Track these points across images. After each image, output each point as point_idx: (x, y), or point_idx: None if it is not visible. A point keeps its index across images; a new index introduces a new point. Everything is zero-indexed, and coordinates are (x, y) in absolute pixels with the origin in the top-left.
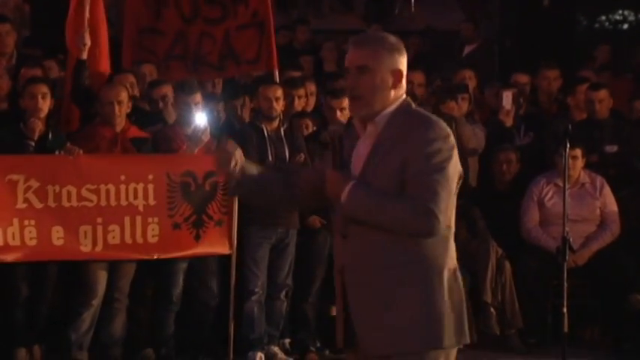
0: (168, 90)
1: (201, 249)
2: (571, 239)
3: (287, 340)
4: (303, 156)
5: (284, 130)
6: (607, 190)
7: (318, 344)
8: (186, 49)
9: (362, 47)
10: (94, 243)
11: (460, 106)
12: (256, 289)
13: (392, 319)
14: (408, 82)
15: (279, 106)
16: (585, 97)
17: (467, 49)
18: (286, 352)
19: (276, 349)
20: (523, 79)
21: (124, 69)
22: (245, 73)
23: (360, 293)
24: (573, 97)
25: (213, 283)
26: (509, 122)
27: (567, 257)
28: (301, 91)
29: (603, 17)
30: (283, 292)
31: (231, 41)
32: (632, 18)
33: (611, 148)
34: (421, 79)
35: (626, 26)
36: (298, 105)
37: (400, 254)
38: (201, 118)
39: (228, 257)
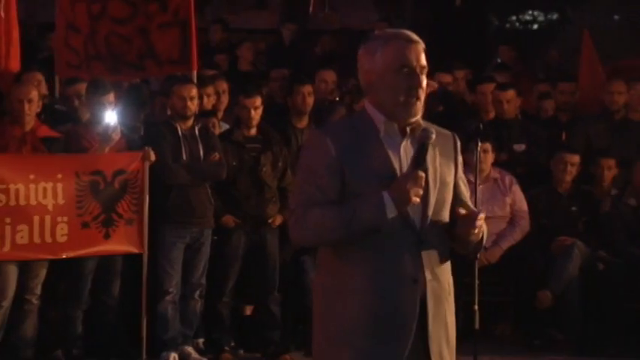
0: (82, 88)
1: (111, 247)
2: None
3: (201, 340)
4: (217, 155)
5: (198, 129)
6: (516, 187)
7: (233, 343)
8: (98, 49)
9: (421, 46)
10: (2, 243)
11: None
12: (170, 289)
13: (452, 336)
14: (321, 80)
15: (193, 106)
16: (493, 97)
17: None
18: (200, 351)
19: (190, 348)
20: (446, 78)
21: (31, 67)
22: (168, 74)
23: (438, 307)
24: (477, 96)
25: (117, 284)
26: None
27: (478, 255)
28: (210, 89)
29: (514, 17)
30: (197, 292)
31: (151, 40)
32: (541, 18)
33: (520, 147)
34: (332, 77)
35: (535, 26)
36: (208, 103)
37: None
38: (111, 117)
39: (139, 256)
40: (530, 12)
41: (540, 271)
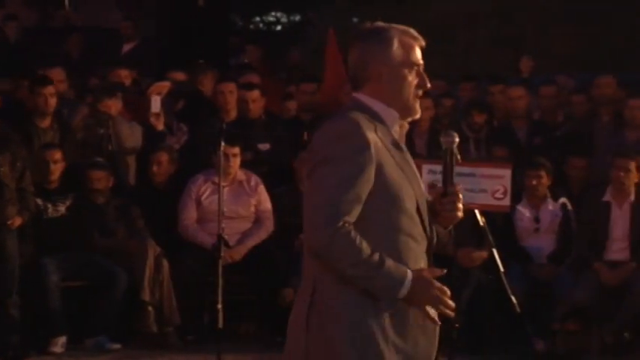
0: None
1: None
2: (226, 236)
3: None
4: None
5: None
6: (262, 188)
7: None
8: None
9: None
10: None
11: (116, 105)
12: None
13: None
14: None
15: None
16: (238, 96)
17: (126, 48)
18: None
19: None
20: (179, 76)
21: None
22: None
23: None
24: (217, 95)
25: None
26: (160, 126)
27: (222, 253)
28: None
29: (257, 18)
30: None
31: None
32: (284, 20)
33: (264, 146)
34: (62, 75)
35: (279, 27)
36: None
37: None
38: None
39: None
40: (273, 13)
41: (283, 269)
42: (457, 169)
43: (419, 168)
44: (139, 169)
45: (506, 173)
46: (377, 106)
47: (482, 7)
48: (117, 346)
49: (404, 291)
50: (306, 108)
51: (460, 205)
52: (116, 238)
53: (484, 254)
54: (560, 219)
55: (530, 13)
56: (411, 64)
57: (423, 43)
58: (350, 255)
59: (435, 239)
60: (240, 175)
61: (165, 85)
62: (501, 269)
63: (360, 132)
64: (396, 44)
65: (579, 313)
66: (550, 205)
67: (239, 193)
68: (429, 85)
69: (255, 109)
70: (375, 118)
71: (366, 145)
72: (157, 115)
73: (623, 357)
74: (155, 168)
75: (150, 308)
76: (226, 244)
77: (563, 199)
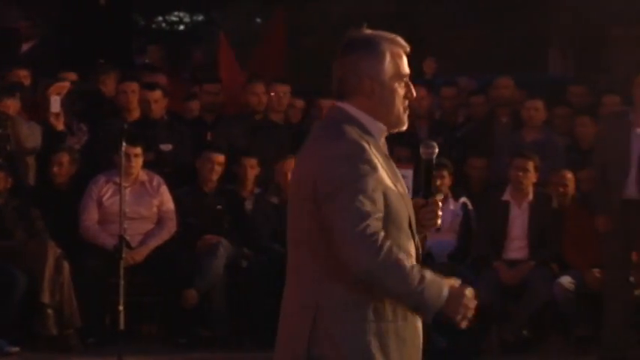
0: None
1: None
2: (128, 237)
3: None
4: None
5: None
6: (164, 188)
7: None
8: None
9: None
10: None
11: (15, 105)
12: None
13: None
14: None
15: None
16: (140, 96)
17: (25, 47)
18: None
19: None
20: (71, 76)
21: None
22: None
23: None
24: (119, 95)
25: None
26: (60, 126)
27: (124, 254)
28: None
29: (160, 18)
30: None
31: None
32: (187, 19)
33: (167, 147)
34: None
35: (182, 27)
36: None
37: None
38: None
39: None
40: (176, 13)
41: (186, 270)
42: None
43: None
44: (38, 170)
45: (408, 173)
46: (364, 118)
47: (381, 9)
48: (15, 349)
49: (442, 301)
50: (210, 108)
51: (440, 213)
52: (15, 239)
53: None
54: (460, 218)
55: (430, 15)
56: (401, 76)
57: (409, 49)
58: (400, 270)
59: (420, 250)
60: (143, 175)
61: (64, 85)
62: None
63: (365, 154)
64: (388, 57)
65: (479, 311)
66: (451, 205)
67: (141, 194)
68: (415, 94)
69: (157, 109)
70: (364, 130)
71: (374, 166)
72: (57, 115)
73: (522, 355)
74: (56, 169)
75: (50, 310)
76: (128, 245)
77: (463, 199)
